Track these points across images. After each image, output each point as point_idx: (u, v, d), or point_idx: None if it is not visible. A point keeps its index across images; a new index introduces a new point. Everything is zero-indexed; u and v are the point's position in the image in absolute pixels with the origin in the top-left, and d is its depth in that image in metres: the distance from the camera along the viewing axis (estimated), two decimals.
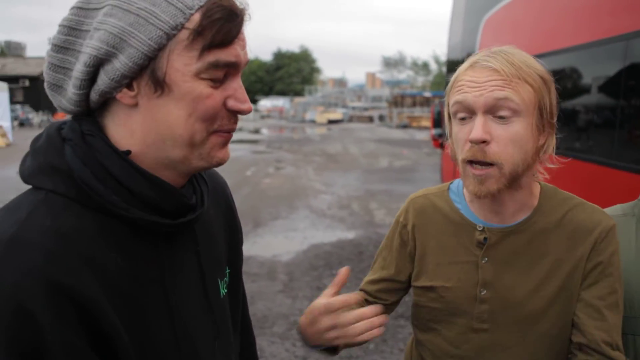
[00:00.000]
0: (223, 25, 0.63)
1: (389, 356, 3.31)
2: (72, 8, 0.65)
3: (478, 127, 0.90)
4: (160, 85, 0.63)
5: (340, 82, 65.30)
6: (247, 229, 6.27)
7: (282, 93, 64.95)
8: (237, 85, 0.68)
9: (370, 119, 36.77)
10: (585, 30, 3.27)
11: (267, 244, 5.77)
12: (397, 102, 38.13)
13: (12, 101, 22.39)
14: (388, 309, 1.14)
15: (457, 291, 1.02)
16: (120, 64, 0.62)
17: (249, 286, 4.41)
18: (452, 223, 1.05)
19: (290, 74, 69.88)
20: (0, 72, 32.43)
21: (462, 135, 0.94)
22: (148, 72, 0.63)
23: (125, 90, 0.64)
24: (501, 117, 0.91)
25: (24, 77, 32.89)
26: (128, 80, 0.63)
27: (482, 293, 1.00)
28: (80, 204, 0.63)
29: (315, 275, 4.72)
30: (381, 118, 35.89)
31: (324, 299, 0.90)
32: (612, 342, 0.96)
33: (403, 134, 25.79)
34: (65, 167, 0.63)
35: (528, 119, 0.92)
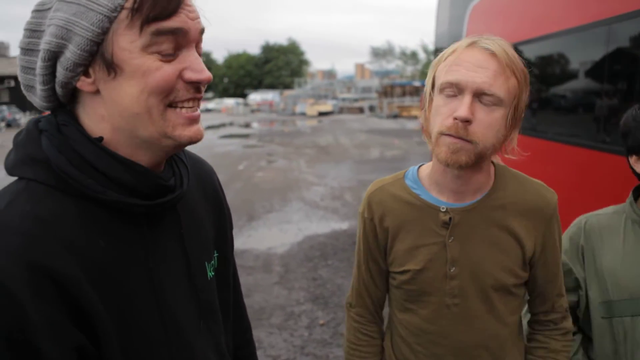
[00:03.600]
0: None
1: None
2: (32, 11, 0.68)
3: (466, 107, 0.94)
4: (112, 67, 0.65)
5: (330, 74, 65.08)
6: (242, 223, 6.29)
7: (271, 86, 64.67)
8: (192, 57, 0.69)
9: (361, 110, 36.75)
10: (573, 15, 3.31)
11: (261, 237, 5.79)
12: (386, 92, 38.10)
13: None
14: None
15: (428, 272, 1.08)
16: (70, 53, 0.65)
17: (245, 279, 4.44)
18: (413, 208, 1.10)
19: (279, 67, 69.52)
20: None
21: (446, 110, 0.98)
22: (99, 56, 0.65)
23: (83, 78, 0.67)
24: (485, 103, 0.96)
25: (9, 77, 32.29)
26: (82, 68, 0.66)
27: (452, 270, 1.06)
28: (60, 190, 0.66)
29: (310, 267, 4.76)
30: (371, 109, 35.88)
31: None
32: (566, 305, 1.17)
33: (394, 124, 25.83)
34: (43, 156, 0.66)
35: (506, 109, 0.98)
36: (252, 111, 43.61)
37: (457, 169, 0.99)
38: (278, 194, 8.16)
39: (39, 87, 0.69)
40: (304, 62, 72.88)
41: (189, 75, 0.68)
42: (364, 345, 1.21)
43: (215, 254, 0.89)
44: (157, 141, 0.69)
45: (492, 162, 1.10)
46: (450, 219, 1.05)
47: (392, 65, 57.98)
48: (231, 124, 27.90)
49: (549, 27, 3.58)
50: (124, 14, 0.64)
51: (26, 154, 0.67)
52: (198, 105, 0.72)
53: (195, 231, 0.82)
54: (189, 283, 0.78)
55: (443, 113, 0.98)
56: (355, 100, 41.27)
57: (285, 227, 6.18)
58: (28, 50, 0.68)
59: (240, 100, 51.31)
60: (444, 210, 1.06)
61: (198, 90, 0.70)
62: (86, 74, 0.66)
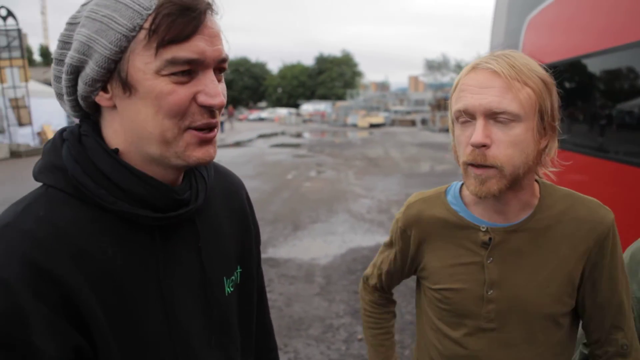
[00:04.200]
0: (174, 21, 0.64)
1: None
2: (66, 23, 0.71)
3: (479, 132, 0.91)
4: (127, 86, 0.67)
5: (383, 86, 64.86)
6: (287, 232, 6.34)
7: (324, 97, 65.19)
8: (207, 80, 0.68)
9: (413, 123, 36.30)
10: (638, 27, 3.12)
11: (306, 247, 5.81)
12: (440, 105, 37.43)
13: None
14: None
15: (463, 293, 1.03)
16: (90, 69, 0.67)
17: (287, 288, 4.46)
18: (451, 226, 1.06)
19: (332, 78, 70.04)
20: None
21: (464, 139, 0.95)
22: (116, 74, 0.67)
23: (101, 93, 0.69)
24: (501, 121, 0.92)
25: None
26: (101, 84, 0.68)
27: (489, 293, 1.01)
28: (76, 198, 0.68)
29: (352, 279, 4.71)
30: (423, 122, 35.34)
31: None
32: (629, 341, 1.03)
33: (446, 137, 25.09)
34: (62, 165, 0.69)
35: (529, 122, 0.93)
36: (304, 121, 44.09)
37: (492, 197, 0.96)
38: (324, 204, 8.17)
39: (65, 97, 0.72)
40: (357, 74, 73.07)
41: (202, 99, 0.68)
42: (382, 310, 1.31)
43: (238, 270, 0.88)
44: (167, 159, 0.70)
45: (537, 181, 1.05)
46: (490, 239, 1.01)
47: (446, 78, 57.00)
48: (283, 133, 28.34)
49: (617, 39, 3.39)
50: (142, 34, 0.65)
51: (49, 161, 0.71)
52: (216, 128, 0.71)
53: (215, 245, 0.82)
54: (203, 297, 0.78)
55: (462, 142, 0.96)
56: (408, 112, 40.84)
57: (329, 239, 6.16)
58: (59, 60, 0.71)
59: (292, 110, 52.08)
60: (484, 229, 1.02)
61: (212, 115, 0.70)
62: (104, 89, 0.69)
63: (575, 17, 4.07)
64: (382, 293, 1.29)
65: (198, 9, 0.66)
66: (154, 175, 0.72)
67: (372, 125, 34.61)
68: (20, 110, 15.70)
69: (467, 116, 0.94)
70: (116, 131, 0.71)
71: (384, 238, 6.12)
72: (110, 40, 0.65)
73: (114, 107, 0.69)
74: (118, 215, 0.69)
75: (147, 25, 0.65)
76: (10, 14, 15.39)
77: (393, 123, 37.48)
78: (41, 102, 16.37)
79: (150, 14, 0.65)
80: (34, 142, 16.28)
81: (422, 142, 21.97)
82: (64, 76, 0.70)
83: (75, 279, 0.63)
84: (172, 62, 0.65)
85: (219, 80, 0.71)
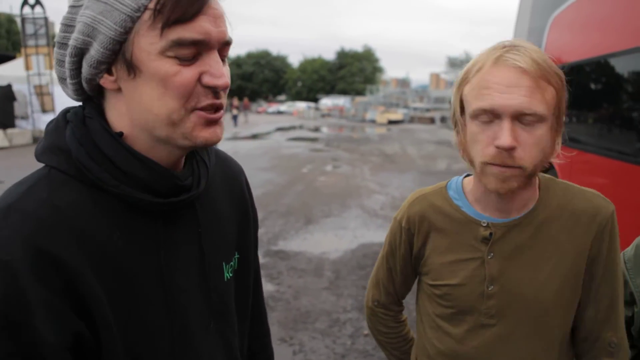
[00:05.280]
0: (179, 1, 0.63)
1: None
2: (68, 6, 0.70)
3: (507, 134, 0.87)
4: (132, 68, 0.66)
5: (404, 82, 64.33)
6: (299, 225, 6.34)
7: (343, 92, 65.00)
8: (212, 61, 0.67)
9: (432, 121, 35.95)
10: None
11: (316, 241, 5.80)
12: None
13: None
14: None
15: (464, 289, 1.01)
16: (94, 51, 0.66)
17: (296, 281, 4.47)
18: (453, 221, 1.04)
19: (353, 73, 69.75)
20: None
21: (484, 138, 0.91)
22: (120, 56, 0.66)
23: (106, 75, 0.68)
24: (527, 123, 0.89)
25: None
26: (105, 65, 0.67)
27: (490, 289, 0.99)
28: (79, 180, 0.67)
29: (361, 275, 4.69)
30: (443, 120, 34.97)
31: None
32: (617, 340, 1.01)
33: None
34: (65, 146, 0.68)
35: (549, 122, 0.91)
36: (323, 116, 44.07)
37: (509, 194, 0.94)
38: (338, 199, 8.15)
39: (68, 81, 0.72)
40: (377, 70, 72.64)
41: (207, 79, 0.67)
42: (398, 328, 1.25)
43: (236, 256, 0.88)
44: (174, 141, 0.69)
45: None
46: (490, 234, 0.99)
47: None
48: (301, 127, 28.36)
49: None
50: (147, 14, 0.64)
51: (52, 142, 0.70)
52: (221, 108, 0.71)
53: (214, 231, 0.81)
54: (203, 282, 0.78)
55: (482, 141, 0.91)
56: (427, 110, 40.45)
57: (340, 233, 6.15)
58: (62, 44, 0.70)
59: (311, 104, 52.06)
60: (484, 224, 1.00)
61: (217, 96, 0.69)
62: (109, 71, 0.68)
63: (602, 15, 3.95)
64: (395, 306, 1.23)
65: None
66: (158, 159, 0.71)
67: (391, 122, 34.39)
68: (44, 97, 15.98)
69: (491, 116, 0.89)
70: (121, 114, 0.70)
71: None
72: (115, 21, 0.64)
73: (119, 89, 0.68)
74: (120, 198, 0.68)
75: (151, 5, 0.64)
76: (38, 2, 15.64)
77: (412, 120, 37.17)
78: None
79: None
80: None
81: (440, 139, 21.75)
82: (67, 59, 0.69)
83: (78, 262, 0.63)
84: (178, 43, 0.64)
85: (223, 62, 0.70)
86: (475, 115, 0.91)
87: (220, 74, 0.67)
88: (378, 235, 6.11)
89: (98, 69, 0.67)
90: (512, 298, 0.98)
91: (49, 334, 0.60)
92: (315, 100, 59.81)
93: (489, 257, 1.00)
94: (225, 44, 0.69)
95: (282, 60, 78.24)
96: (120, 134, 0.70)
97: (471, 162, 0.96)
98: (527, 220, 1.00)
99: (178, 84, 0.65)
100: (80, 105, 0.73)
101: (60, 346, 0.61)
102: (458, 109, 0.97)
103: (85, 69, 0.68)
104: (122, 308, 0.67)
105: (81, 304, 0.63)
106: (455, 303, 1.03)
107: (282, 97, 76.66)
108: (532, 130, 0.89)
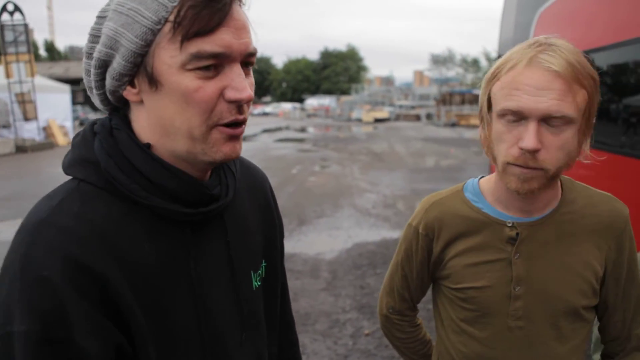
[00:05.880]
0: (199, 12, 0.62)
1: None
2: (96, 17, 0.69)
3: (532, 137, 0.86)
4: (153, 81, 0.65)
5: (388, 81, 64.68)
6: (292, 227, 6.30)
7: (328, 92, 65.08)
8: (234, 74, 0.66)
9: (417, 118, 36.19)
10: None
11: (311, 242, 5.78)
12: (445, 100, 37.27)
13: (74, 102, 23.75)
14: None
15: (489, 291, 1.00)
16: (117, 64, 0.65)
17: (292, 283, 4.44)
18: (475, 223, 1.02)
19: (337, 72, 69.88)
20: (64, 75, 34.38)
21: (510, 138, 0.90)
22: (142, 68, 0.65)
23: (129, 88, 0.67)
24: (554, 125, 0.88)
25: None
26: (128, 78, 0.66)
27: (516, 290, 0.98)
28: (109, 192, 0.67)
29: (358, 274, 4.69)
30: (429, 116, 35.23)
31: None
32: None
33: (451, 132, 25.19)
34: (94, 158, 0.67)
35: (577, 125, 0.89)
36: (309, 116, 44.05)
37: (530, 194, 0.93)
38: (329, 199, 8.15)
39: (95, 91, 0.71)
40: (362, 69, 72.87)
41: (230, 94, 0.65)
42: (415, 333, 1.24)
43: (264, 264, 0.87)
44: (193, 156, 0.69)
45: None
46: (517, 234, 0.98)
47: (452, 72, 56.73)
48: (287, 127, 28.32)
49: (635, 32, 3.33)
50: (167, 27, 0.63)
51: (80, 155, 0.69)
52: (243, 123, 0.69)
53: (242, 240, 0.81)
54: (233, 292, 0.77)
55: (507, 140, 0.90)
56: (413, 107, 40.73)
57: (335, 233, 6.14)
58: (89, 54, 0.69)
59: (297, 104, 52.06)
60: (510, 224, 0.98)
61: (240, 111, 0.68)
62: (132, 84, 0.67)
63: (589, 10, 4.00)
64: (410, 311, 1.22)
65: (223, 0, 0.63)
66: (185, 169, 0.70)
67: (377, 120, 34.55)
68: (26, 105, 15.73)
69: (518, 116, 0.88)
70: (144, 126, 0.69)
71: (389, 233, 6.13)
72: (136, 34, 0.63)
73: (142, 102, 0.68)
74: (150, 209, 0.68)
75: (172, 17, 0.63)
76: (17, 9, 15.41)
77: (398, 118, 37.38)
78: (47, 97, 16.40)
79: (175, 6, 0.62)
80: (39, 137, 16.33)
81: (427, 136, 21.90)
82: (92, 70, 0.68)
83: (114, 275, 0.62)
84: (197, 56, 0.63)
85: (247, 75, 0.69)
86: (502, 115, 0.90)
87: (243, 87, 0.66)
88: (372, 234, 6.12)
89: (121, 81, 0.66)
90: (538, 298, 0.97)
91: (92, 348, 0.60)
92: (301, 100, 59.76)
93: (516, 257, 0.98)
94: (249, 55, 0.68)
95: (265, 61, 78.03)
96: (148, 145, 0.69)
97: (494, 159, 0.95)
98: (551, 220, 0.99)
99: (199, 100, 0.64)
100: (107, 117, 0.73)
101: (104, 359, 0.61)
102: (485, 105, 0.96)
103: (109, 81, 0.67)
104: (155, 319, 0.67)
105: (120, 317, 0.63)
106: (480, 306, 1.01)
107: (267, 98, 76.48)
108: (558, 133, 0.88)
